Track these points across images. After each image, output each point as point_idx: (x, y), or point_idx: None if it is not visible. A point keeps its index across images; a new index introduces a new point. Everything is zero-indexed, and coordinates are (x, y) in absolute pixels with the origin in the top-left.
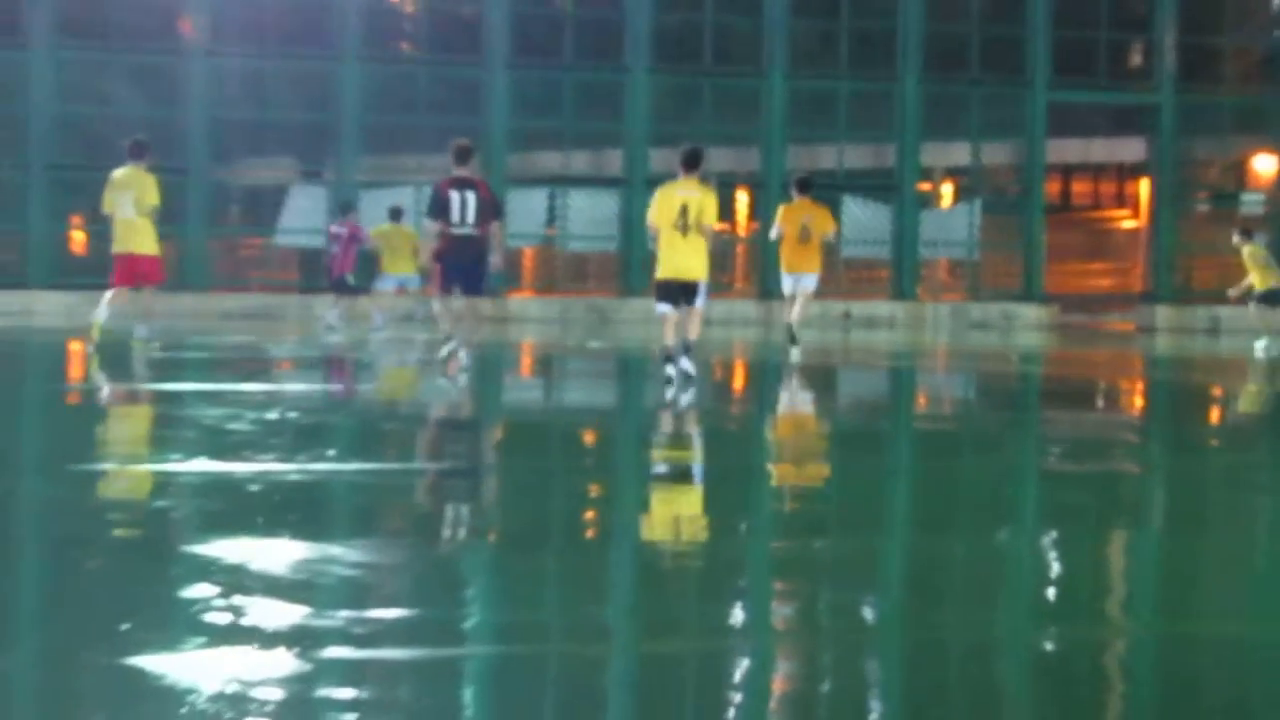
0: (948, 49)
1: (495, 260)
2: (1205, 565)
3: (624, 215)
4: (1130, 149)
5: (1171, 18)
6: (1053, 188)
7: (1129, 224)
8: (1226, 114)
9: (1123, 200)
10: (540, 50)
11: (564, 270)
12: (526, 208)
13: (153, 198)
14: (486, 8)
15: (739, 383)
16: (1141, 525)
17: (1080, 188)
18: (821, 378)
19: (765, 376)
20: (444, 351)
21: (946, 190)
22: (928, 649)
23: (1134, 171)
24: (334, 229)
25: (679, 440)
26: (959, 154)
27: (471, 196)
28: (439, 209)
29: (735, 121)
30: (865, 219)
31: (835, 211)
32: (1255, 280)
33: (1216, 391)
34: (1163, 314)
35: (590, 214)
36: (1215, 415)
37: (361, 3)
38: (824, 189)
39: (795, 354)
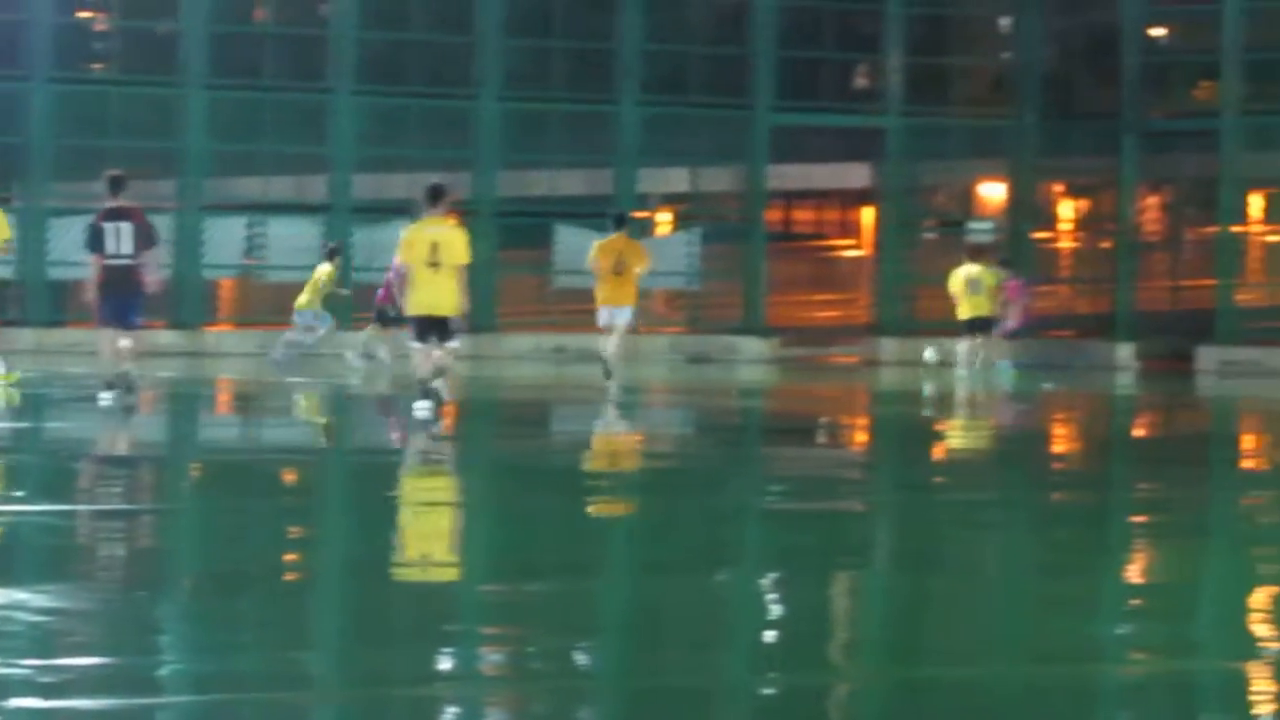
0: (668, 70)
1: (152, 281)
2: (930, 607)
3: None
4: (856, 174)
5: (899, 39)
6: (776, 215)
7: (855, 253)
8: (955, 138)
9: (848, 228)
10: (240, 70)
11: (264, 302)
12: (223, 236)
13: None
14: (183, 26)
15: (451, 420)
16: (864, 566)
17: (804, 215)
18: (533, 413)
19: (479, 412)
20: (107, 397)
21: (665, 217)
22: (645, 697)
23: (860, 198)
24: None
25: (391, 479)
26: (679, 179)
27: (126, 226)
28: (95, 242)
29: (446, 145)
30: (581, 247)
31: (547, 238)
32: (961, 308)
33: (937, 427)
34: (888, 346)
35: (292, 242)
36: (936, 451)
37: (52, 22)
38: (536, 215)
39: (612, 386)
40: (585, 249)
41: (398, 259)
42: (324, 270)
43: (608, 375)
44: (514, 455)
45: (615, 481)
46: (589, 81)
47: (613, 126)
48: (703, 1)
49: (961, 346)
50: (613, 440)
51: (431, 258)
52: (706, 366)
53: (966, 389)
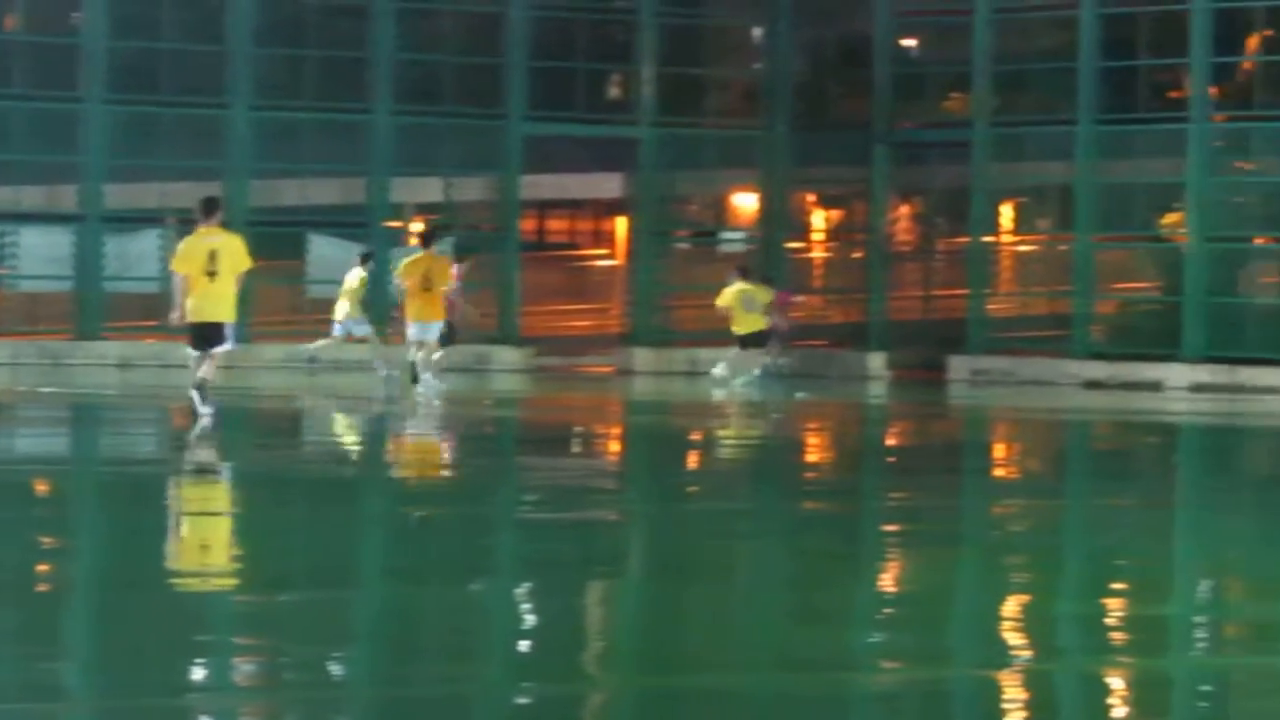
0: (421, 79)
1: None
2: (683, 616)
3: (80, 253)
4: (609, 184)
5: (651, 49)
6: (530, 224)
7: (608, 262)
8: (707, 148)
9: (602, 238)
10: None
11: (13, 311)
12: None
13: None
14: None
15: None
16: (617, 575)
17: (558, 224)
18: (285, 423)
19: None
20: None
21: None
22: (396, 707)
23: (613, 208)
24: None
25: (146, 488)
26: (432, 189)
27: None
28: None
29: (198, 154)
30: (334, 257)
31: (300, 249)
32: (737, 324)
33: (692, 436)
34: (642, 356)
35: (43, 252)
36: (690, 461)
37: None
38: (288, 225)
39: (418, 393)
40: (338, 259)
41: (173, 269)
42: (358, 276)
43: (414, 380)
44: (271, 465)
45: (370, 491)
46: (342, 90)
47: (366, 136)
48: (456, 11)
49: (728, 358)
50: (369, 450)
51: (210, 266)
52: (462, 376)
53: (726, 399)
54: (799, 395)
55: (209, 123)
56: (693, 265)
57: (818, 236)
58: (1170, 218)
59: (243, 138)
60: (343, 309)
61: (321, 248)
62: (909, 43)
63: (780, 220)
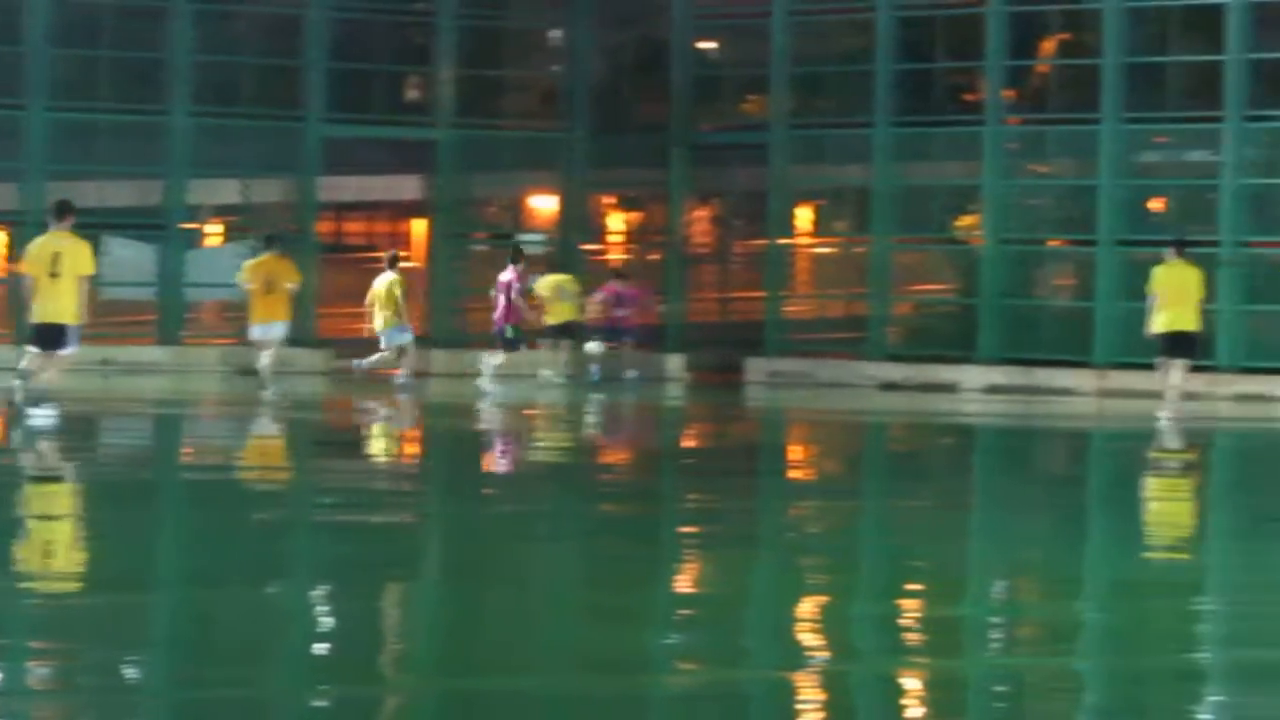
0: (219, 80)
1: None
2: (481, 618)
3: None
4: (408, 186)
5: (450, 51)
6: (328, 227)
7: (407, 264)
8: (506, 150)
9: (400, 240)
10: None
11: None
12: None
13: None
14: None
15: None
16: (415, 578)
17: (356, 226)
18: (80, 429)
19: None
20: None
21: (216, 228)
22: (192, 709)
23: (412, 210)
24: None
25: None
26: (230, 191)
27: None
28: None
29: None
30: (129, 259)
31: (95, 250)
32: (552, 314)
33: (489, 438)
34: (439, 358)
35: None
36: (488, 462)
37: None
38: (84, 227)
39: (269, 395)
40: (135, 261)
41: (22, 270)
42: (390, 280)
43: (262, 387)
44: (71, 467)
45: (165, 494)
46: (138, 92)
47: (163, 137)
48: (254, 12)
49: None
50: (163, 452)
51: (53, 268)
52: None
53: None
54: (598, 396)
55: (5, 124)
56: (491, 267)
57: (616, 239)
58: (965, 220)
59: (39, 139)
60: (380, 319)
61: (117, 250)
62: (707, 45)
63: (578, 222)
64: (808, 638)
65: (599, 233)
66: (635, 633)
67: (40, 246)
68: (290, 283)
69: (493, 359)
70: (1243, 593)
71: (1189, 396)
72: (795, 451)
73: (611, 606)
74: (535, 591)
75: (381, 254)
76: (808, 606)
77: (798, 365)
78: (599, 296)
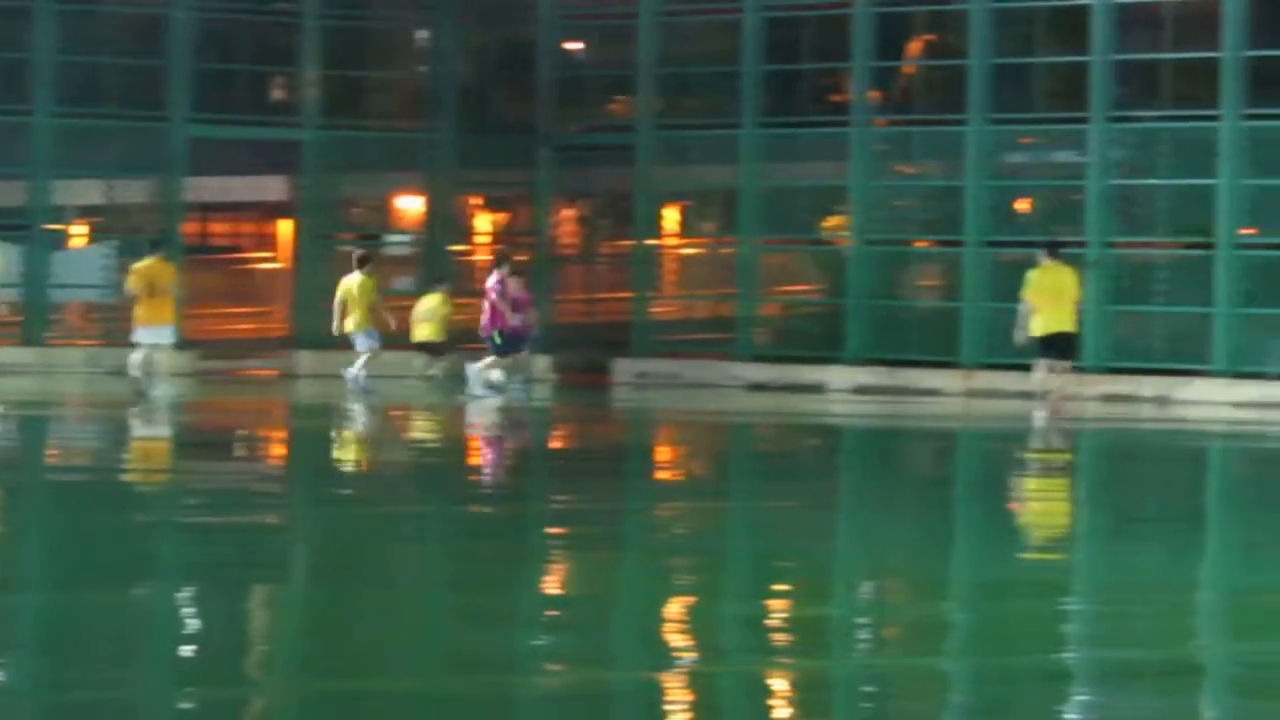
0: (82, 80)
1: None
2: (349, 619)
3: None
4: (274, 187)
5: (315, 51)
6: (193, 227)
7: (273, 265)
8: (372, 151)
9: (266, 240)
10: None
11: None
12: None
13: None
14: None
15: None
16: (283, 579)
17: (222, 227)
18: None
19: None
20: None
21: (82, 229)
22: (58, 712)
23: (278, 210)
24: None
25: None
26: (94, 191)
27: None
28: None
29: None
30: None
31: None
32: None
33: (357, 440)
34: (306, 359)
35: None
36: (356, 464)
37: None
38: None
39: (157, 396)
40: None
41: None
42: (355, 281)
43: (145, 392)
44: None
45: (31, 496)
46: (1, 92)
47: (25, 137)
48: (118, 12)
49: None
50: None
51: None
52: (125, 379)
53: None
54: (462, 398)
55: None
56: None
57: (483, 239)
58: (832, 221)
59: None
60: (351, 321)
61: None
62: (573, 46)
63: (445, 223)
64: (675, 638)
65: (466, 233)
66: (503, 633)
67: None
68: (170, 284)
69: (479, 365)
70: (1107, 592)
71: (1064, 397)
72: (662, 452)
73: (480, 607)
74: (404, 592)
75: (248, 254)
76: (676, 607)
77: (665, 366)
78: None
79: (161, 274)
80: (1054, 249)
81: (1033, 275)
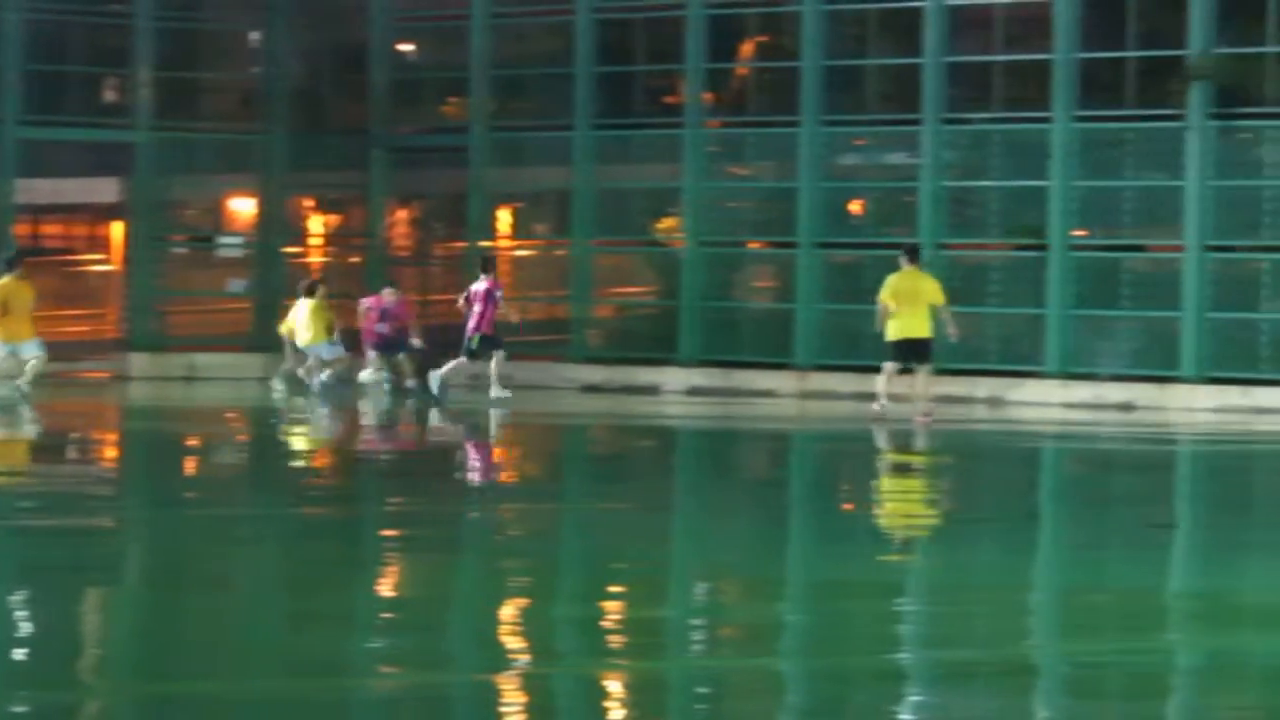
0: None
1: None
2: (183, 622)
3: None
4: (106, 189)
5: (148, 53)
6: (24, 229)
7: (105, 267)
8: (205, 153)
9: (98, 243)
10: None
11: None
12: None
13: None
14: None
15: None
16: (114, 582)
17: (53, 229)
18: None
19: None
20: None
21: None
22: None
23: (110, 212)
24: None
25: None
26: None
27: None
28: None
29: None
30: None
31: None
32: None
33: (192, 441)
34: (139, 361)
35: None
36: (189, 467)
37: None
38: None
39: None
40: None
41: None
42: (311, 306)
43: (17, 402)
44: None
45: None
46: None
47: None
48: None
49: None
50: None
51: None
52: None
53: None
54: (299, 400)
55: None
56: (190, 270)
57: (316, 241)
58: (666, 222)
59: None
60: (303, 337)
61: None
62: (406, 47)
63: (279, 225)
64: (511, 640)
65: (300, 235)
66: (338, 636)
67: None
68: (29, 301)
69: (442, 370)
70: (941, 594)
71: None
72: (496, 454)
73: (314, 610)
74: (237, 596)
75: (81, 256)
76: (511, 610)
77: (520, 370)
78: (365, 304)
79: (17, 292)
80: (914, 254)
81: (891, 279)
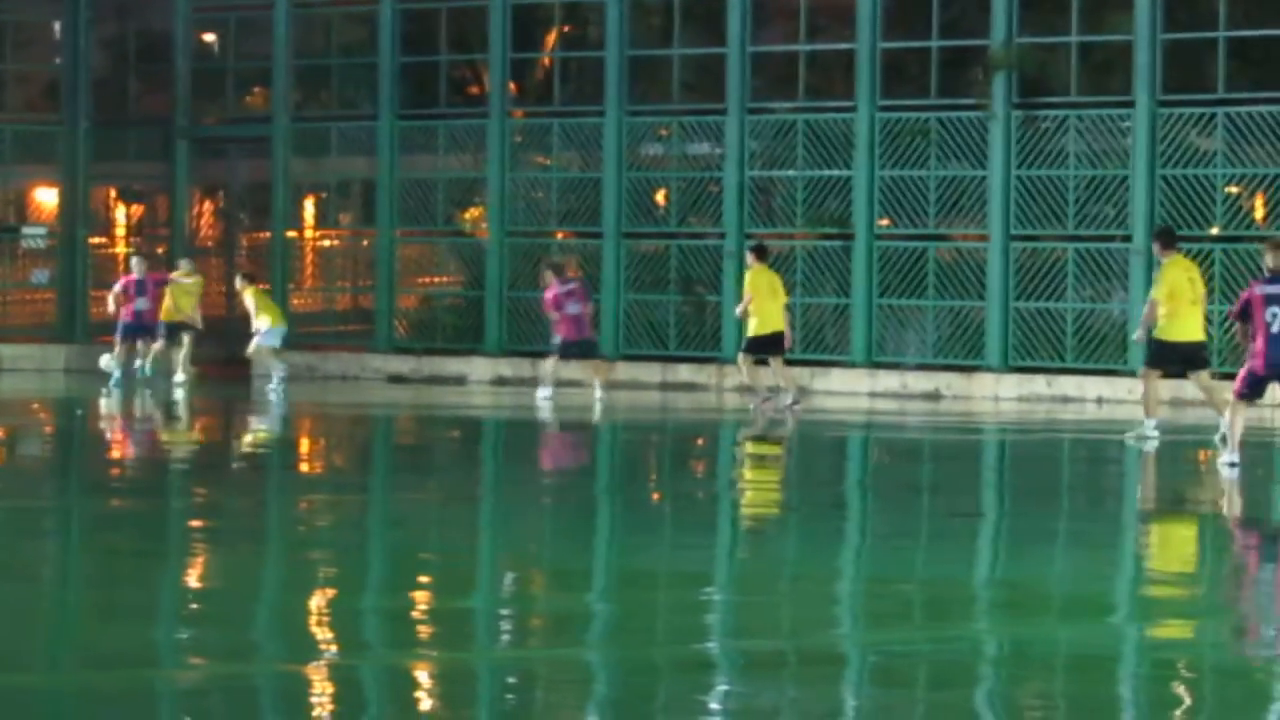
0: None
1: None
2: None
3: None
4: None
5: None
6: None
7: None
8: (8, 143)
9: None
10: None
11: None
12: None
13: None
14: None
15: None
16: None
17: None
18: None
19: None
20: None
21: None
22: None
23: None
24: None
25: None
26: None
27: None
28: None
29: None
30: None
31: None
32: (269, 319)
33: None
34: None
35: None
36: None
37: None
38: None
39: None
40: None
41: None
42: (254, 290)
43: None
44: None
45: None
46: None
47: None
48: None
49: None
50: None
51: None
52: None
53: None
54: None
55: None
56: None
57: (120, 231)
58: (471, 212)
59: None
60: (268, 319)
61: None
62: (210, 37)
63: (82, 216)
64: (317, 631)
65: (105, 225)
66: (142, 628)
67: None
68: None
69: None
70: (746, 583)
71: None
72: (301, 445)
73: (117, 602)
74: (40, 587)
75: None
76: (317, 600)
77: (305, 359)
78: (118, 287)
79: None
80: (762, 252)
81: (750, 276)
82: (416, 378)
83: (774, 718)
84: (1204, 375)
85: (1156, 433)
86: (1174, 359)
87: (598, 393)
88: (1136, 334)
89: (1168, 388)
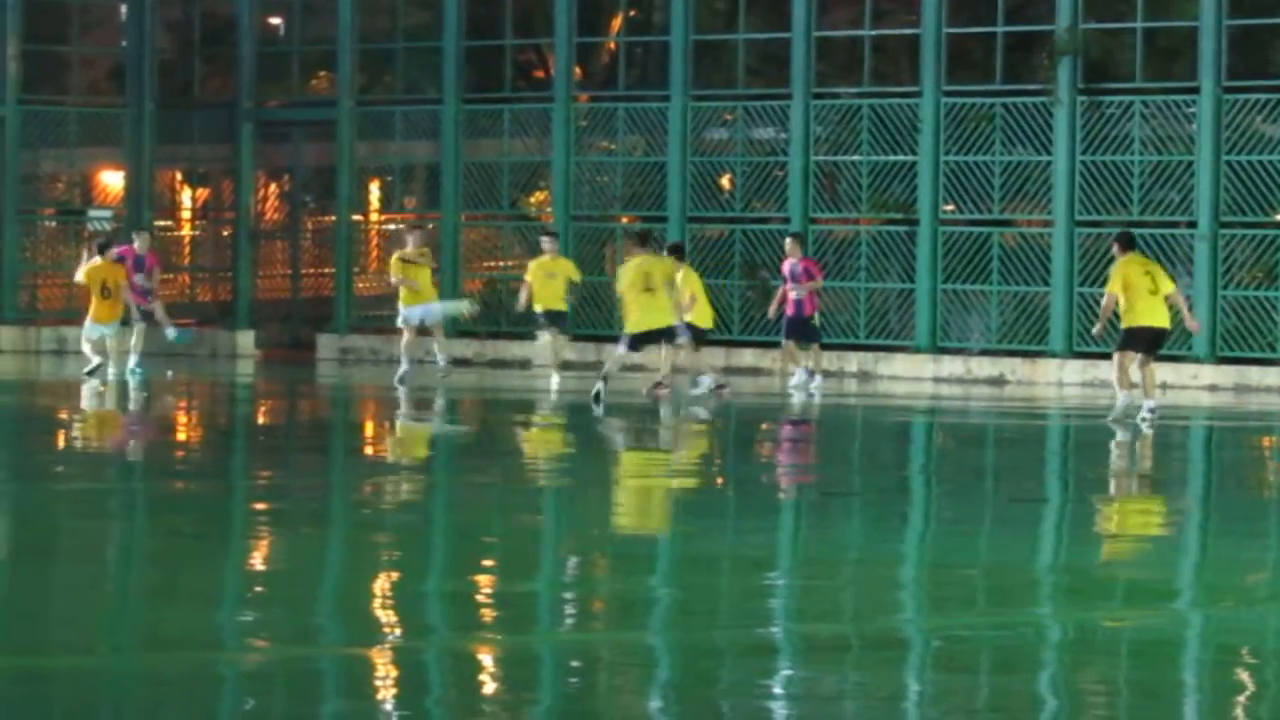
0: None
1: None
2: (50, 597)
3: None
4: None
5: (15, 27)
6: None
7: None
8: (73, 126)
9: None
10: None
11: None
12: None
13: None
14: None
15: None
16: None
17: None
18: None
19: None
20: None
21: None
22: None
23: None
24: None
25: None
26: None
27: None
28: None
29: None
30: None
31: None
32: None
33: (59, 416)
34: (8, 335)
35: None
36: (57, 440)
37: None
38: None
39: None
40: None
41: None
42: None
43: None
44: None
45: None
46: None
47: None
48: None
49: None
50: None
51: None
52: None
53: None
54: (168, 374)
55: None
56: (58, 244)
57: (186, 214)
58: (536, 196)
59: None
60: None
61: None
62: (275, 20)
63: (147, 198)
64: (382, 614)
65: (170, 208)
66: (206, 610)
67: None
68: None
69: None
70: (809, 568)
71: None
72: (365, 428)
73: (182, 585)
74: (106, 570)
75: None
76: (381, 583)
77: (369, 342)
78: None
79: None
80: (645, 239)
81: (622, 269)
82: (480, 361)
83: (837, 702)
84: (1151, 362)
85: (1141, 405)
86: (1139, 343)
87: (797, 378)
88: (1096, 329)
89: (1230, 374)
